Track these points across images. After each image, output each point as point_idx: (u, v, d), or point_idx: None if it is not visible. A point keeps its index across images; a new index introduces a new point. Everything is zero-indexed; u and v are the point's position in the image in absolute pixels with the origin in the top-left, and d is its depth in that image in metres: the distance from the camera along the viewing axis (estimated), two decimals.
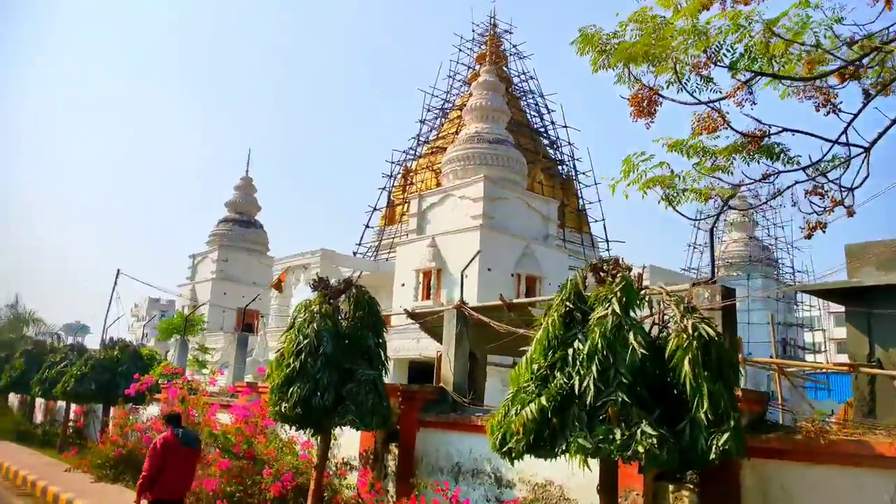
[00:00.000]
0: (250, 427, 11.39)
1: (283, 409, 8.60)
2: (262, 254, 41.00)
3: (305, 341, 8.77)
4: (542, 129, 38.82)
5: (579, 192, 37.95)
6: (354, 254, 37.37)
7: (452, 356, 9.55)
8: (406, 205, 39.26)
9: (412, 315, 10.94)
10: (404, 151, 39.88)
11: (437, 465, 9.07)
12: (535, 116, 39.23)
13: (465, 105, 38.39)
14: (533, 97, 39.28)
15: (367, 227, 39.83)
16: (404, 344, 26.57)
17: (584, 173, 38.00)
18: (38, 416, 23.83)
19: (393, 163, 39.76)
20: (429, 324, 10.67)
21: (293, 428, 9.30)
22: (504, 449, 5.58)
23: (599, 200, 37.43)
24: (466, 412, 8.95)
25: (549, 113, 39.06)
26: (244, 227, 40.56)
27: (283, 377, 8.68)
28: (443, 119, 39.89)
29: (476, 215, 25.99)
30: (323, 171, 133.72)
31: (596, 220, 37.39)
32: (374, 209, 39.74)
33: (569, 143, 38.45)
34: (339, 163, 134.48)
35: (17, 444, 19.56)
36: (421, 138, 40.00)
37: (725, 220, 38.49)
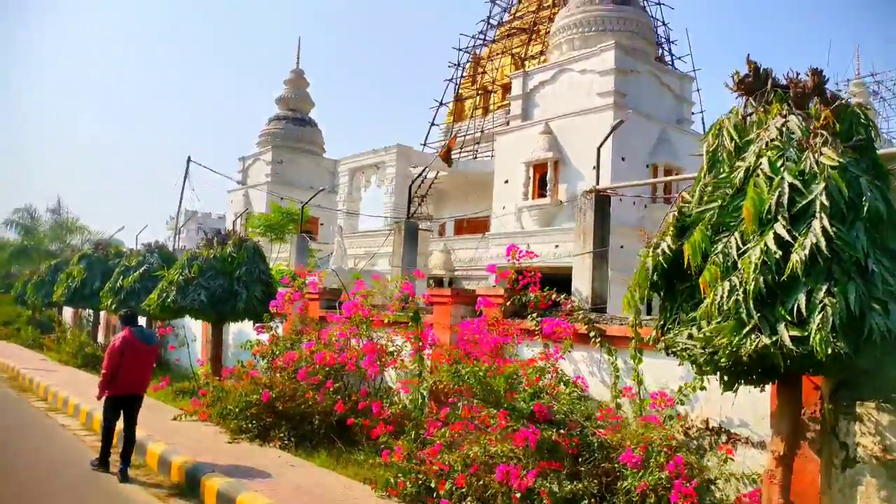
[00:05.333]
0: (503, 361, 6.48)
1: None
2: (318, 155, 35.55)
3: None
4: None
5: None
6: None
7: None
8: (477, 97, 33.65)
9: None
10: (473, 37, 33.84)
11: None
12: None
13: None
14: None
15: (432, 124, 34.26)
16: None
17: (680, 58, 31.96)
18: (101, 336, 19.04)
19: (460, 50, 33.83)
20: None
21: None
22: None
23: (698, 90, 31.62)
24: None
25: None
26: (298, 126, 34.89)
27: None
28: None
29: (605, 92, 20.46)
30: (381, 63, 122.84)
31: (694, 113, 31.66)
32: (441, 104, 34.06)
33: (663, 23, 32.24)
34: (400, 53, 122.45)
35: (85, 371, 14.81)
36: (492, 21, 33.91)
37: None
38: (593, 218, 7.67)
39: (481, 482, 5.33)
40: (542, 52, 30.17)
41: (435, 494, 5.67)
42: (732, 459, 5.47)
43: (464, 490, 5.41)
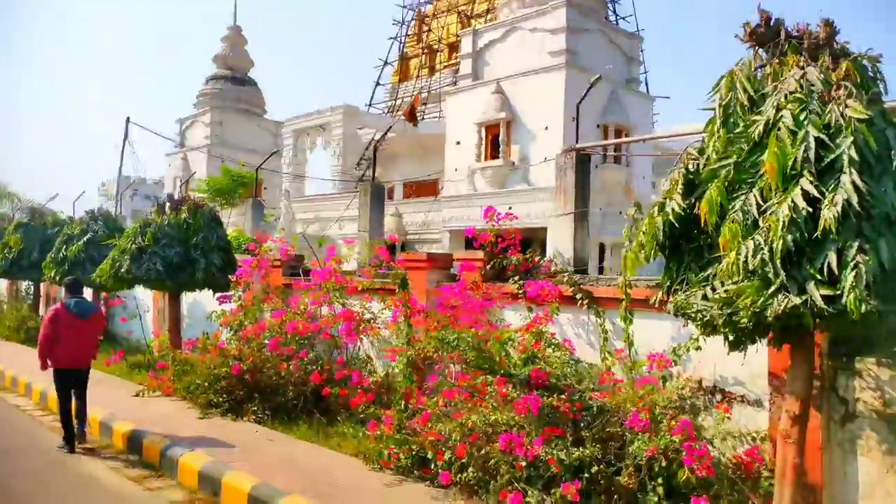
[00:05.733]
0: (490, 326, 6.33)
1: None
2: (259, 116, 34.31)
3: None
4: None
5: None
6: None
7: None
8: (423, 56, 32.98)
9: None
10: None
11: None
12: None
13: None
14: None
15: (377, 84, 33.50)
16: (462, 213, 21.48)
17: (624, 18, 31.92)
18: (42, 309, 17.97)
19: (405, 7, 33.00)
20: None
21: None
22: None
23: (643, 51, 31.74)
24: None
25: None
26: (237, 85, 33.52)
27: None
28: None
29: (556, 51, 20.29)
30: (322, 21, 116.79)
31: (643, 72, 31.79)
32: (385, 63, 33.31)
33: None
34: (342, 9, 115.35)
35: (29, 346, 13.93)
36: None
37: None
38: (574, 177, 7.51)
39: (482, 451, 5.18)
40: (488, 10, 29.65)
41: (433, 465, 5.50)
42: (729, 418, 5.47)
43: (464, 461, 5.25)
